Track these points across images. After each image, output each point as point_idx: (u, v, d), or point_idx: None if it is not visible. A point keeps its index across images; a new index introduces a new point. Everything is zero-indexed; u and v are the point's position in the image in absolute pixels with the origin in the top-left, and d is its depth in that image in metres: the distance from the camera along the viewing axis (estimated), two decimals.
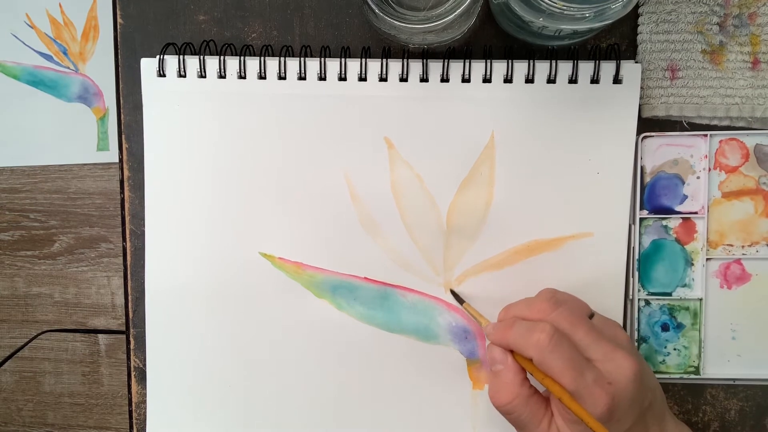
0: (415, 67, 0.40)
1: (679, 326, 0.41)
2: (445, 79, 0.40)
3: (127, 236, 0.44)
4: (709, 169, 0.40)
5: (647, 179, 0.41)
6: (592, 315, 0.36)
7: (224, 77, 0.41)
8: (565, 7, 0.32)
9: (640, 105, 0.40)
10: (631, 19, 0.40)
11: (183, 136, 0.42)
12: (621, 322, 0.41)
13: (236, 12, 0.42)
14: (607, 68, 0.39)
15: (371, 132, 0.41)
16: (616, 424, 0.32)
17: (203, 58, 0.41)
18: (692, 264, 0.41)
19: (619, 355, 0.32)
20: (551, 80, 0.39)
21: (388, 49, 0.40)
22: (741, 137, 0.40)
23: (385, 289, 0.42)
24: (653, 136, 0.40)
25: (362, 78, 0.40)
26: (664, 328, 0.41)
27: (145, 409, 0.44)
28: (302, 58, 0.40)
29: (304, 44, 0.42)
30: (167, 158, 0.42)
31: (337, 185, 0.41)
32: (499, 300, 0.41)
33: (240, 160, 0.42)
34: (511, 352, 0.35)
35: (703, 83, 0.39)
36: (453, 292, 0.41)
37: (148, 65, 0.41)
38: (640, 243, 0.41)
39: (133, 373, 0.44)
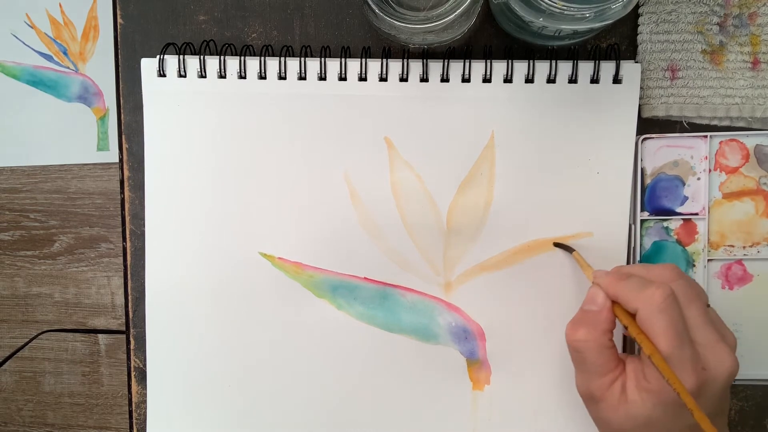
0: (415, 67, 0.40)
1: None
2: (445, 79, 0.40)
3: (127, 236, 0.44)
4: (710, 170, 0.40)
5: (648, 181, 0.41)
6: (708, 306, 0.34)
7: (224, 77, 0.41)
8: (565, 8, 0.32)
9: (640, 105, 0.40)
10: (631, 19, 0.40)
11: (183, 136, 0.42)
12: None
13: (236, 12, 0.42)
14: (607, 68, 0.39)
15: (371, 132, 0.41)
16: None
17: (203, 58, 0.41)
18: (694, 265, 0.41)
19: (723, 349, 0.31)
20: (551, 80, 0.39)
21: (388, 49, 0.40)
22: (741, 138, 0.40)
23: (384, 289, 0.42)
24: (653, 137, 0.40)
25: (362, 78, 0.40)
26: None
27: (145, 409, 0.44)
28: (302, 58, 0.40)
29: (305, 44, 0.42)
30: (167, 158, 0.42)
31: (337, 185, 0.41)
32: (500, 301, 0.41)
33: (240, 160, 0.42)
34: (613, 304, 0.34)
35: (703, 83, 0.39)
36: (558, 243, 0.40)
37: (148, 65, 0.41)
38: (641, 245, 0.41)
39: (133, 373, 0.44)
